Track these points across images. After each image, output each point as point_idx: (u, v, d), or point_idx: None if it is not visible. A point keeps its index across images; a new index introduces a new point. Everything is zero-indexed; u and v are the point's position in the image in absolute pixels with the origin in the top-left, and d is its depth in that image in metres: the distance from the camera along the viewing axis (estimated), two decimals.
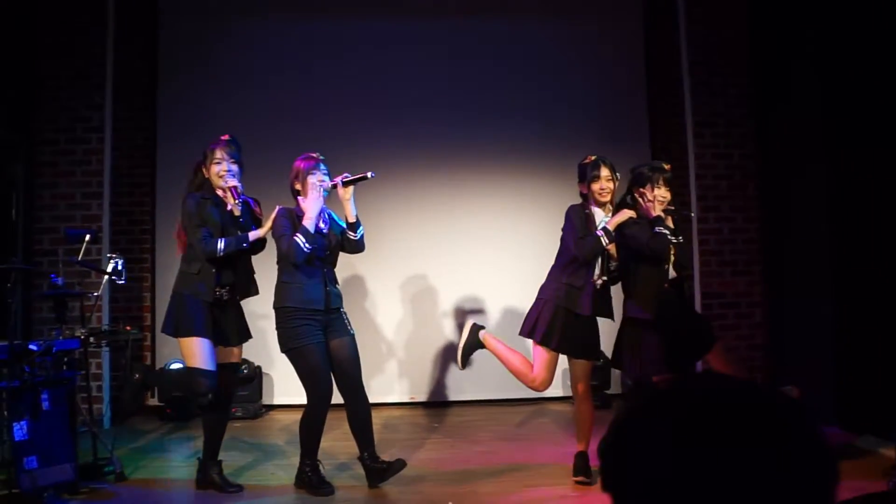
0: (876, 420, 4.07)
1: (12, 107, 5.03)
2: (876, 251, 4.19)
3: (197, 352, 3.34)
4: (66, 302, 3.87)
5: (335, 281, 3.58)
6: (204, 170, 3.49)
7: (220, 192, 3.47)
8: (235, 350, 3.59)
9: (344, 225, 3.59)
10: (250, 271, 3.59)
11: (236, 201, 3.42)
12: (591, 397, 3.71)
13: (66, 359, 3.52)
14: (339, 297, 3.56)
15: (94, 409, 4.28)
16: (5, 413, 3.12)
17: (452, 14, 5.85)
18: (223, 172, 3.43)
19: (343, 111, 5.70)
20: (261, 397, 5.45)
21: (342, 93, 5.74)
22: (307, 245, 3.35)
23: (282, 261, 3.48)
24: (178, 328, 3.40)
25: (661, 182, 3.55)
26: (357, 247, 3.60)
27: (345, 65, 5.76)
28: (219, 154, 3.45)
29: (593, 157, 3.59)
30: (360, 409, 3.49)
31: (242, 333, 3.61)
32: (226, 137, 3.53)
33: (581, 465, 3.53)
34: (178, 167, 5.54)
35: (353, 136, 5.56)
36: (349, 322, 3.59)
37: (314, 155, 3.58)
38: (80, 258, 3.80)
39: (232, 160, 3.46)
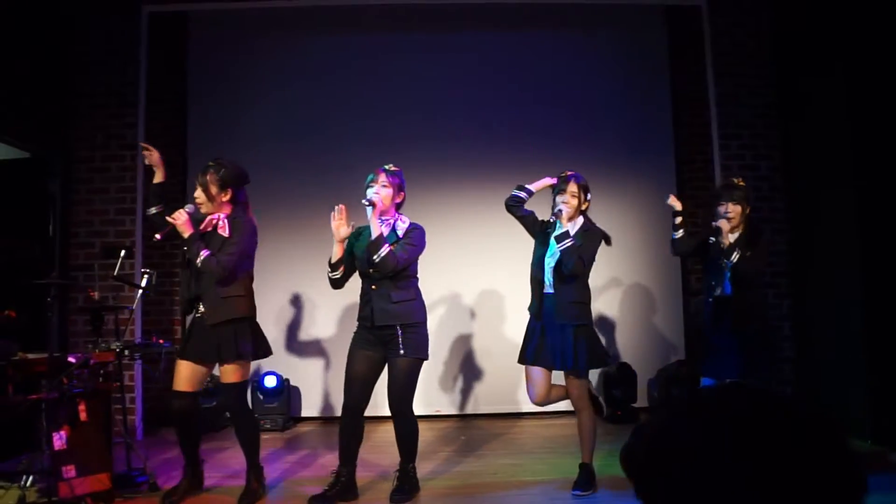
0: None
1: (49, 124, 5.18)
2: None
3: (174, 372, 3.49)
4: (102, 315, 3.97)
5: (385, 298, 3.45)
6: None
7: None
8: (223, 368, 3.45)
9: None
10: (212, 288, 3.41)
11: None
12: (589, 408, 3.62)
13: (101, 371, 3.61)
14: (387, 314, 3.44)
15: (129, 420, 4.36)
16: (45, 423, 3.21)
17: (478, 28, 5.92)
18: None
19: (371, 124, 5.78)
20: (289, 409, 5.51)
21: (371, 106, 5.82)
22: (331, 273, 3.53)
23: None
24: None
25: (726, 198, 3.64)
26: (378, 267, 3.42)
27: (373, 78, 5.84)
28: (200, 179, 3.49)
29: (568, 173, 3.69)
30: (396, 426, 3.56)
31: (221, 353, 3.42)
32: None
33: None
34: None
35: (381, 150, 5.62)
36: (404, 342, 3.45)
37: (384, 167, 3.58)
38: (115, 273, 3.89)
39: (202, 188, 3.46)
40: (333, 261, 3.49)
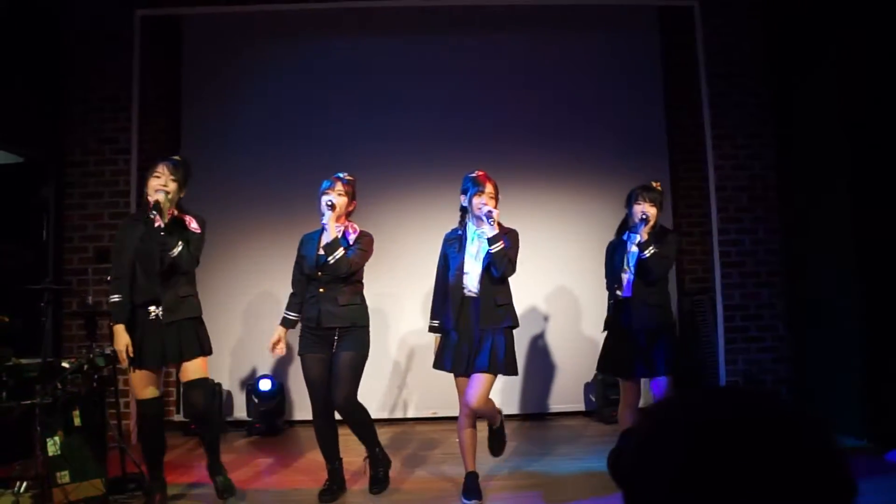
0: None
1: (42, 129, 5.17)
2: None
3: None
4: (96, 320, 3.95)
5: (332, 301, 3.56)
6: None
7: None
8: (189, 365, 3.43)
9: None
10: (170, 288, 3.41)
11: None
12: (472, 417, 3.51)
13: (96, 376, 3.59)
14: (333, 316, 3.55)
15: (123, 424, 4.34)
16: (38, 428, 3.19)
17: (469, 33, 5.91)
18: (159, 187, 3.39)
19: (363, 125, 5.78)
20: (283, 413, 5.49)
21: (363, 108, 5.82)
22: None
23: None
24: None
25: (641, 199, 3.58)
26: (330, 269, 3.53)
27: (365, 79, 5.84)
28: (158, 169, 3.42)
29: (480, 172, 3.58)
30: (347, 419, 3.64)
31: (184, 351, 3.42)
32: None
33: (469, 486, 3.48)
34: (202, 187, 5.66)
35: (373, 153, 5.64)
36: (347, 340, 3.56)
37: (338, 175, 3.66)
38: (110, 277, 3.87)
39: (172, 177, 3.42)
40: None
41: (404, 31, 5.90)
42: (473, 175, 3.55)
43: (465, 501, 3.45)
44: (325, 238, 3.54)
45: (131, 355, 3.35)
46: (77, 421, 3.33)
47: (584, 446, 4.67)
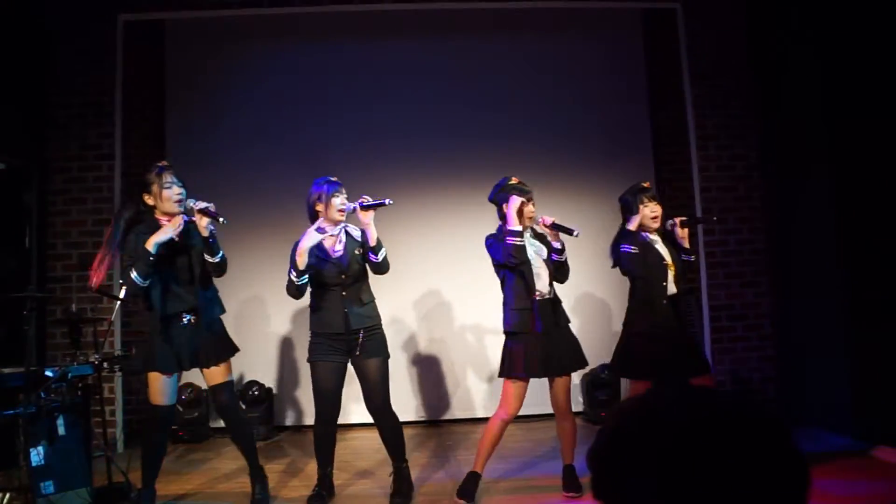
0: (891, 430, 4.05)
1: (25, 135, 5.12)
2: (886, 257, 4.19)
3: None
4: (80, 328, 3.92)
5: (357, 302, 3.56)
6: (148, 197, 3.43)
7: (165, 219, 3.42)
8: (216, 369, 3.49)
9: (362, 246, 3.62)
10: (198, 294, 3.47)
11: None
12: (571, 412, 3.70)
13: (80, 384, 3.56)
14: (362, 317, 3.55)
15: (108, 433, 4.31)
16: (22, 439, 3.16)
17: (454, 34, 5.93)
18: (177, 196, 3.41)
19: (348, 128, 5.78)
20: (272, 419, 5.47)
21: (348, 110, 5.82)
22: (298, 280, 3.45)
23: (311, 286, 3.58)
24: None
25: (646, 200, 3.70)
26: (379, 269, 3.57)
27: (350, 83, 5.84)
28: (168, 178, 3.43)
29: (518, 179, 3.73)
30: (381, 427, 3.62)
31: (217, 353, 3.49)
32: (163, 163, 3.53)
33: (568, 479, 3.60)
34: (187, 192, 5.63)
35: (361, 157, 5.63)
36: (371, 345, 3.56)
37: (333, 179, 3.64)
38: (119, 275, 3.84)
39: (180, 184, 3.45)
40: (301, 267, 3.45)
41: (390, 34, 5.90)
42: (516, 182, 3.70)
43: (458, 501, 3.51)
44: (332, 240, 3.54)
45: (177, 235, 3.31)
46: (61, 430, 3.30)
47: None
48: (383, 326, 3.67)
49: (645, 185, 3.79)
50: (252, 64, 5.87)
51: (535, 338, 3.52)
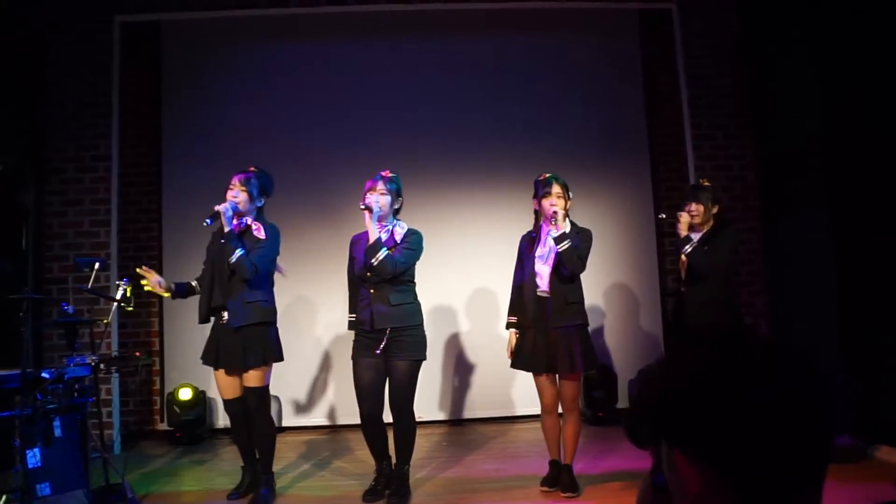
0: (889, 429, 4.06)
1: (21, 136, 5.11)
2: (881, 256, 4.20)
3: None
4: (76, 329, 3.91)
5: (385, 301, 3.52)
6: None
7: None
8: (246, 375, 3.59)
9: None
10: (236, 294, 3.56)
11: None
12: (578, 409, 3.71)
13: (77, 385, 3.55)
14: (386, 317, 3.50)
15: (105, 434, 4.30)
16: (18, 440, 3.15)
17: (451, 34, 5.93)
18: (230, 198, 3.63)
19: (347, 129, 5.77)
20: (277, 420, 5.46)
21: (347, 111, 5.81)
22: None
23: None
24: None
25: (691, 198, 3.86)
26: (376, 270, 3.51)
27: (349, 83, 5.84)
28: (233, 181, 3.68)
29: (547, 175, 3.69)
30: (396, 429, 3.63)
31: (247, 358, 3.56)
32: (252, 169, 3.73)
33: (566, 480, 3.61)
34: (183, 193, 5.63)
35: (357, 153, 5.63)
36: (402, 345, 3.53)
37: (383, 172, 3.65)
38: (89, 286, 3.84)
39: (242, 188, 3.63)
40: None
41: (389, 34, 5.90)
42: (541, 178, 3.67)
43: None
44: (370, 239, 3.54)
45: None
46: (58, 432, 3.29)
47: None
48: (423, 325, 3.64)
49: (704, 182, 3.95)
50: (248, 64, 5.86)
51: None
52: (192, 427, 5.19)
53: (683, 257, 3.82)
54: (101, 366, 3.81)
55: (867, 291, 4.30)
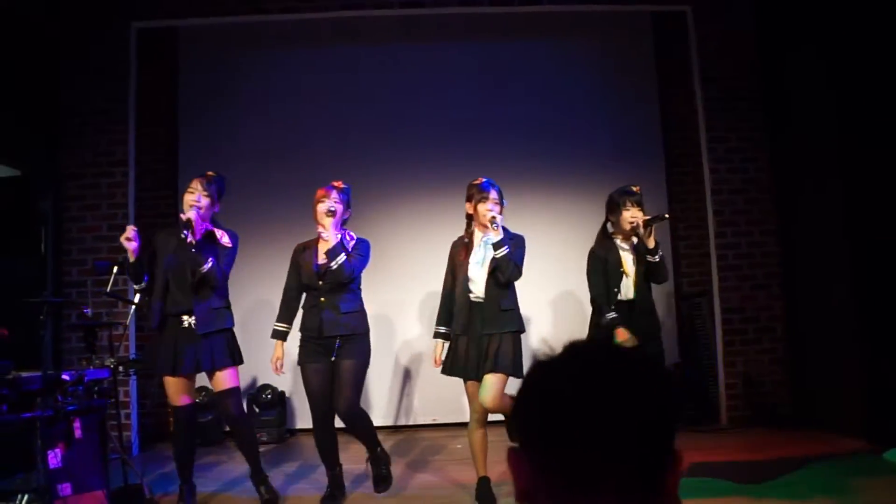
0: None
1: (39, 142, 5.18)
2: None
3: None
4: (95, 332, 3.96)
5: (335, 309, 3.55)
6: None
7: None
8: (219, 375, 3.55)
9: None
10: (203, 300, 3.52)
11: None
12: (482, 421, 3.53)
13: (96, 388, 3.60)
14: (336, 324, 3.54)
15: (124, 436, 4.34)
16: (39, 441, 3.19)
17: (464, 39, 5.96)
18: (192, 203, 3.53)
19: (362, 136, 5.81)
20: (285, 422, 5.50)
21: (362, 118, 5.85)
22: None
23: None
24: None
25: (629, 205, 3.65)
26: (333, 274, 3.54)
27: (363, 90, 5.88)
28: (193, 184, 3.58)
29: (483, 179, 3.60)
30: (350, 426, 3.64)
31: (216, 360, 3.53)
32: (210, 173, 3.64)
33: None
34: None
35: (372, 161, 5.66)
36: (349, 349, 3.54)
37: (335, 182, 3.68)
38: (108, 289, 3.89)
39: (205, 193, 3.54)
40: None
41: (402, 39, 5.94)
42: (476, 182, 3.60)
43: None
44: (325, 245, 3.58)
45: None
46: (78, 433, 3.33)
47: None
48: (369, 332, 3.67)
49: (634, 188, 3.72)
50: (265, 69, 5.91)
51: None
52: (208, 429, 5.23)
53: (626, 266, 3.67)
54: (120, 368, 3.85)
55: (883, 294, 4.26)
